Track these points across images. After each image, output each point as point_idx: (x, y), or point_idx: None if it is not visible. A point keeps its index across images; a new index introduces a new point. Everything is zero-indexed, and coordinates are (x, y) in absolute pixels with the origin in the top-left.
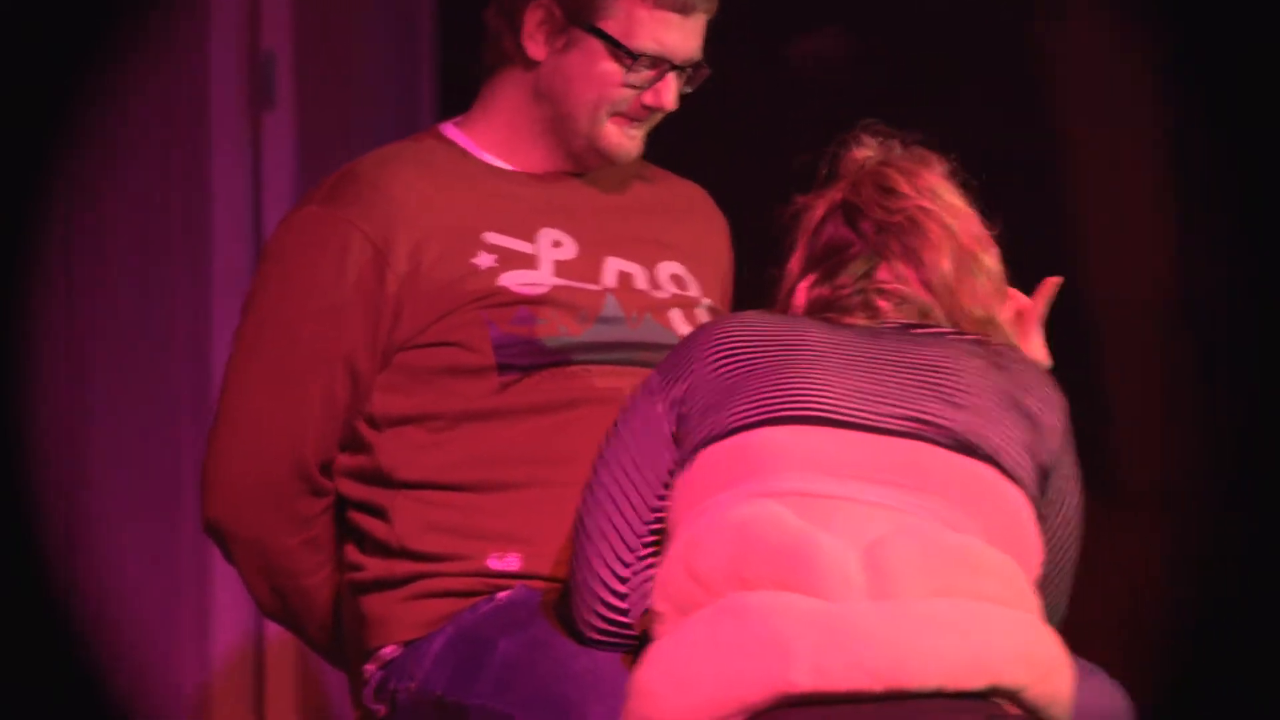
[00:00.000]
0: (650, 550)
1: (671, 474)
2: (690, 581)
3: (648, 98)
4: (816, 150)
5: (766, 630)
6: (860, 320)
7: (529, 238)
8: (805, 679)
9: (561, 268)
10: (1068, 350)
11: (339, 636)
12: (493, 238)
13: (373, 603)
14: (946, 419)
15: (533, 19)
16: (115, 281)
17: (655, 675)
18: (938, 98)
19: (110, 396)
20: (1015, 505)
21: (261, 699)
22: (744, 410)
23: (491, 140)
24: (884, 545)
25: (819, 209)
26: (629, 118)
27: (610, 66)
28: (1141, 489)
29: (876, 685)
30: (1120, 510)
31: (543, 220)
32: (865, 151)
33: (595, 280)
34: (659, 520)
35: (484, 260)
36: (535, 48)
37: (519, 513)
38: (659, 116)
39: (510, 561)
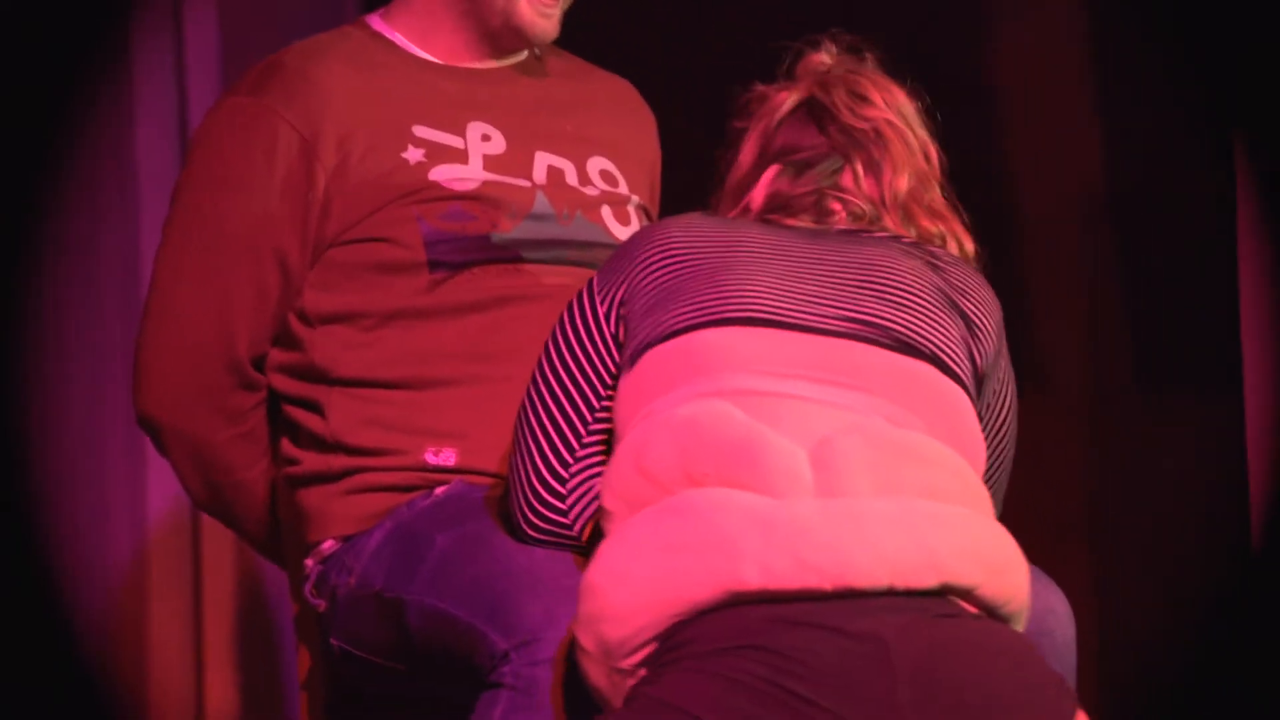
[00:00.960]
0: (590, 452)
1: (614, 376)
2: (640, 478)
3: None
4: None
5: (713, 528)
6: (805, 223)
7: (458, 131)
8: (753, 577)
9: (491, 162)
10: (995, 246)
11: (275, 532)
12: (422, 131)
13: (310, 497)
14: (886, 318)
15: None
16: (40, 173)
17: (604, 574)
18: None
19: (37, 284)
20: (957, 403)
21: (199, 590)
22: (684, 312)
23: (415, 30)
24: (832, 443)
25: (783, 103)
26: None
27: None
28: (1068, 383)
29: (826, 584)
30: (1047, 402)
31: (471, 114)
32: (826, 57)
33: (526, 176)
34: (600, 422)
35: (413, 154)
36: None
37: (454, 408)
38: None
39: (446, 456)
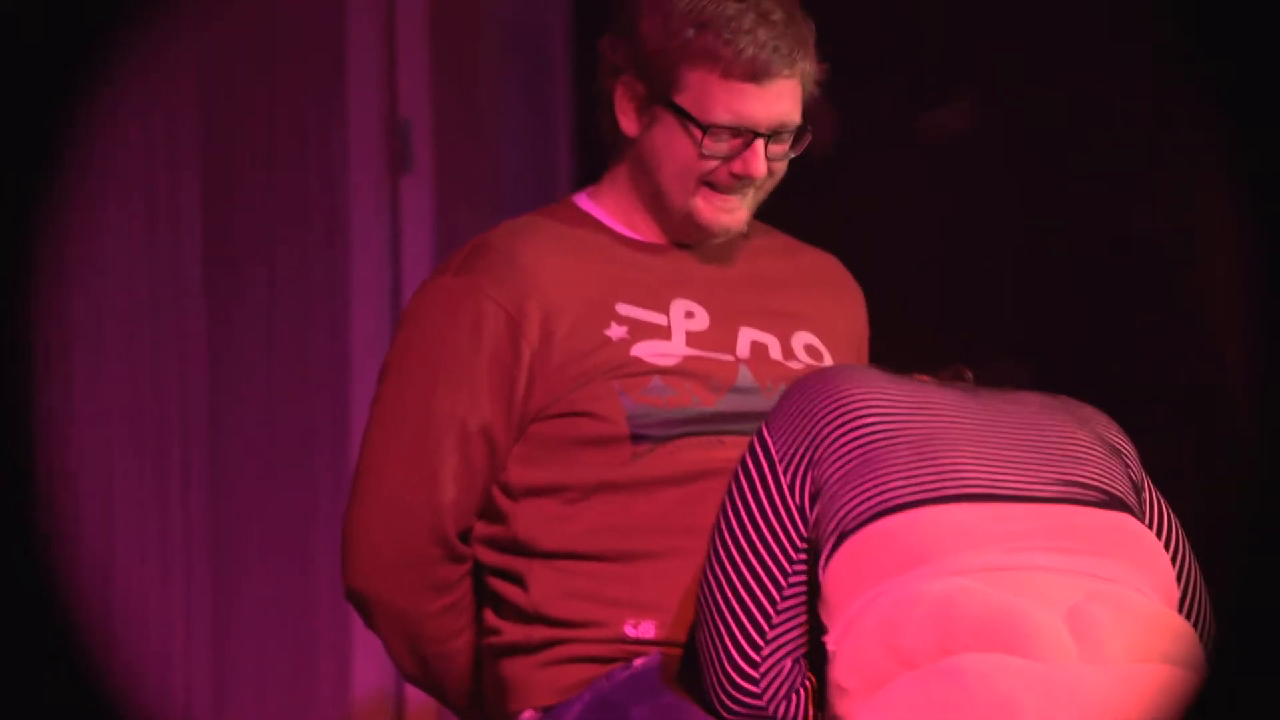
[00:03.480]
0: (781, 630)
1: (802, 544)
2: (888, 657)
3: (736, 167)
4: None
5: (989, 690)
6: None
7: (662, 309)
8: None
9: (694, 338)
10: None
11: (479, 700)
12: (625, 309)
13: (511, 668)
14: (1085, 477)
15: (622, 97)
16: (257, 344)
17: None
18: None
19: (251, 457)
20: (1156, 548)
21: None
22: (897, 489)
23: (619, 210)
24: (1083, 610)
25: None
26: (719, 190)
27: (687, 140)
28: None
29: None
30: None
31: (675, 291)
32: None
33: (729, 350)
34: (791, 594)
35: (616, 331)
36: (628, 124)
37: (654, 581)
38: (766, 184)
39: (646, 629)
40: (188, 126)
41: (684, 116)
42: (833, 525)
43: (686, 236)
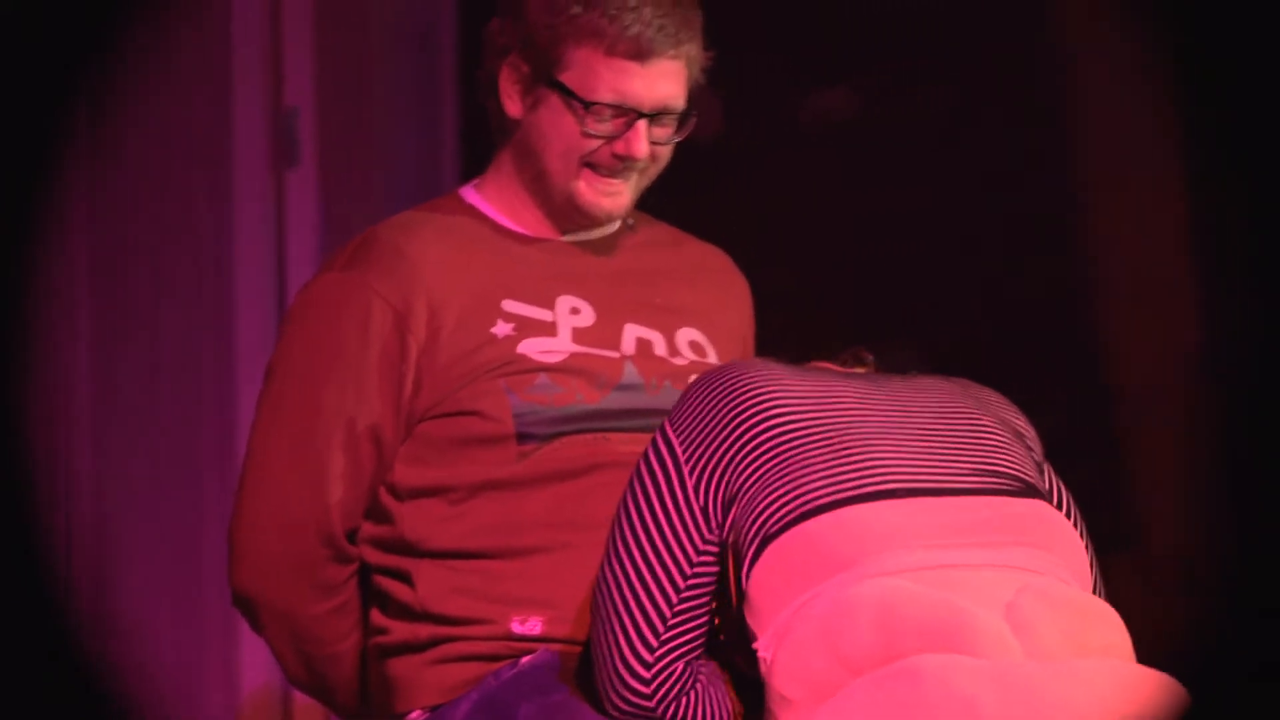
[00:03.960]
0: (675, 631)
1: (705, 546)
2: (834, 665)
3: (618, 148)
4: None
5: (948, 690)
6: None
7: (547, 305)
8: None
9: (580, 334)
10: (1091, 410)
11: (367, 703)
12: (511, 305)
13: (397, 667)
14: (999, 465)
15: (507, 79)
16: (139, 341)
17: None
18: (943, 150)
19: (134, 460)
20: (1072, 534)
21: None
22: (819, 489)
23: (503, 203)
24: (1020, 607)
25: None
26: (602, 172)
27: (570, 118)
28: (1163, 551)
29: None
30: (1141, 571)
31: (561, 287)
32: None
33: (614, 347)
34: (688, 596)
35: (502, 329)
36: (513, 106)
37: (541, 577)
38: (650, 170)
39: (533, 625)
40: (69, 115)
41: (567, 94)
42: (753, 531)
43: (569, 222)
